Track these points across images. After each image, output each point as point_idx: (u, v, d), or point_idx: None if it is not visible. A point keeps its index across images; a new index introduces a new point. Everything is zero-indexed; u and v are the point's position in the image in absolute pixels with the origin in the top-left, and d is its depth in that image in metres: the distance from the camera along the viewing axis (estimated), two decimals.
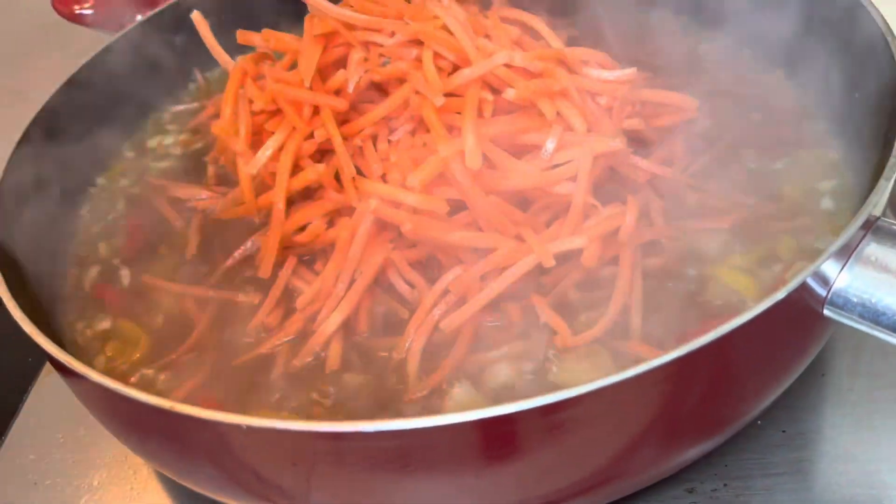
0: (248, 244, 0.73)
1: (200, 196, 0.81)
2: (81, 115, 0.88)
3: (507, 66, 0.68)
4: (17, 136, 0.78)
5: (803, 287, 0.53)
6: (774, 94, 0.82)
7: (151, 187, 0.85)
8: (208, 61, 1.02)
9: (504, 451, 0.53)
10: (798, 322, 0.58)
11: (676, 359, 0.50)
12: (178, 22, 0.96)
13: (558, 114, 0.68)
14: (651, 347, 0.61)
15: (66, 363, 0.53)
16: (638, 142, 0.74)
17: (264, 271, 0.69)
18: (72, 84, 0.87)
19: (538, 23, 0.76)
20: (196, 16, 0.82)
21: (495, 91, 0.69)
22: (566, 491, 0.59)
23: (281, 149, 0.70)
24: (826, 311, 0.56)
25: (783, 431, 0.68)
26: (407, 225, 0.63)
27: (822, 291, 0.55)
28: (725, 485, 0.65)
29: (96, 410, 0.62)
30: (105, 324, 0.72)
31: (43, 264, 0.76)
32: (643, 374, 0.49)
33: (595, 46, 0.76)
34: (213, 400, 0.64)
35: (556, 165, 0.67)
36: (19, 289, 0.61)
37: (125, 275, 0.76)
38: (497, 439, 0.51)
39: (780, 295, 0.51)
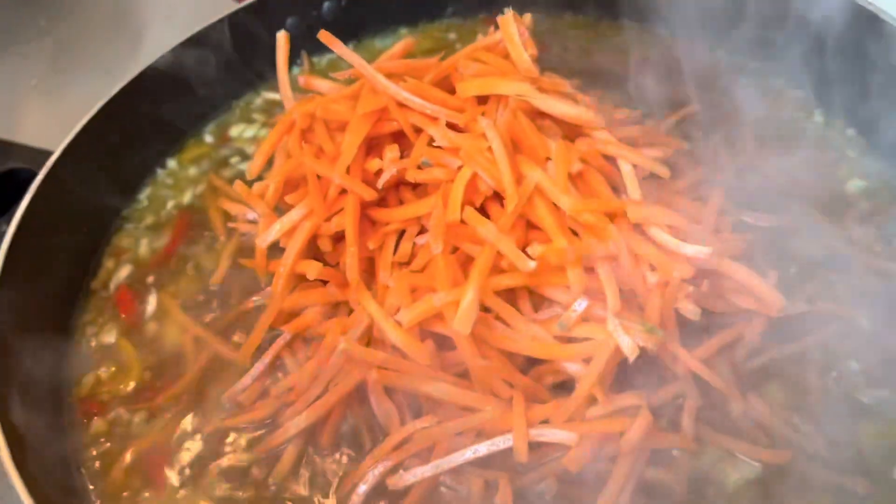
0: (257, 299, 0.71)
1: (247, 217, 0.78)
2: (179, 84, 0.86)
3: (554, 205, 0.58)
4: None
5: None
6: None
7: (211, 187, 0.83)
8: (318, 46, 0.97)
9: None
10: None
11: None
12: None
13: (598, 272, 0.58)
14: None
15: None
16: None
17: (243, 357, 0.66)
18: (183, 48, 0.85)
19: (626, 160, 0.63)
20: (281, 36, 0.76)
21: (532, 227, 0.60)
22: None
23: (296, 227, 0.65)
24: None
25: None
26: (373, 374, 0.57)
27: None
28: None
29: None
30: (111, 338, 0.73)
31: (86, 246, 0.79)
32: None
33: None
34: (162, 463, 0.64)
35: (573, 339, 0.58)
36: None
37: (149, 287, 0.76)
38: None
39: None
